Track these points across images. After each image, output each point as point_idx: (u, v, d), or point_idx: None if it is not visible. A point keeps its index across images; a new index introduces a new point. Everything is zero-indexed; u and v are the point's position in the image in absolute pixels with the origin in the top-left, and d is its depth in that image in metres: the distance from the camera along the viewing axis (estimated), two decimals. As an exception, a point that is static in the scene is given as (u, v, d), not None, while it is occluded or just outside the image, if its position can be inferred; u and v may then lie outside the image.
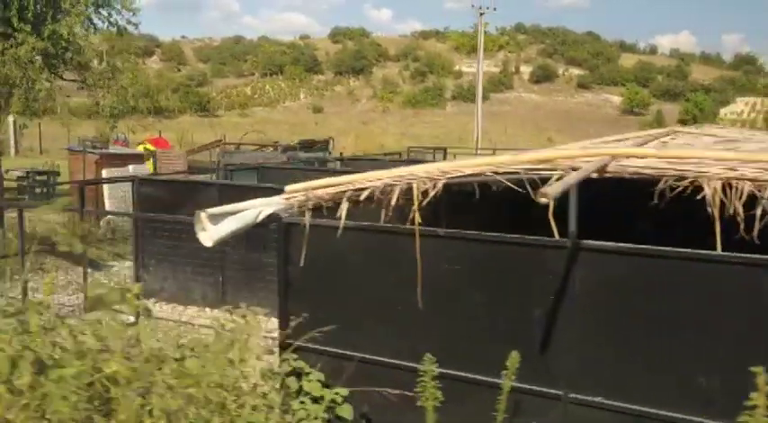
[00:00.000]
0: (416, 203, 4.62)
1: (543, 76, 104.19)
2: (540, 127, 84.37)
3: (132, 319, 9.13)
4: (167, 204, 9.46)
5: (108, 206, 13.48)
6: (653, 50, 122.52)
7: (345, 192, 4.88)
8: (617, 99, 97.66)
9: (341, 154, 20.66)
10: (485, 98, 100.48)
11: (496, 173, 4.39)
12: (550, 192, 3.38)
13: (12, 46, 13.61)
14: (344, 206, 4.89)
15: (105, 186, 13.50)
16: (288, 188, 5.21)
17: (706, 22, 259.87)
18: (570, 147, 6.95)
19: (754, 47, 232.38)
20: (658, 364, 4.02)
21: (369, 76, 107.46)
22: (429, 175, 4.68)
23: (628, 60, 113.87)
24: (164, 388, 3.71)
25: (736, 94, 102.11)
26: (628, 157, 4.36)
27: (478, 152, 32.98)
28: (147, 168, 14.26)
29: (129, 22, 16.60)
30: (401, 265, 4.80)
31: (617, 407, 4.05)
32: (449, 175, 4.56)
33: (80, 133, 30.54)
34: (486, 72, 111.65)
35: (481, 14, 34.29)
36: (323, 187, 5.02)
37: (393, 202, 4.70)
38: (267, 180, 11.97)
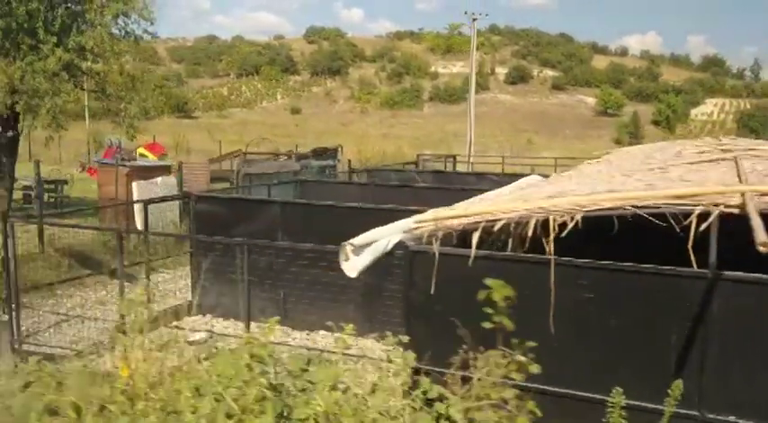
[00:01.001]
0: (552, 235, 4.88)
1: (518, 78, 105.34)
2: (517, 128, 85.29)
3: (202, 335, 9.23)
4: (224, 222, 9.57)
5: (138, 220, 13.50)
6: (624, 52, 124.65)
7: (479, 223, 5.11)
8: (591, 100, 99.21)
9: (349, 161, 20.84)
10: (461, 99, 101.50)
11: (636, 207, 4.67)
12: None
13: (39, 58, 13.56)
14: (476, 236, 5.14)
15: (136, 199, 13.54)
16: (415, 218, 5.43)
17: (672, 24, 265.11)
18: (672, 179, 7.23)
19: (718, 48, 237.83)
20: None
21: (345, 76, 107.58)
22: (559, 207, 4.95)
23: (600, 62, 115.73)
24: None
25: (705, 95, 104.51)
26: (762, 194, 4.66)
27: (471, 156, 33.43)
28: (173, 179, 14.30)
29: (145, 31, 16.63)
30: (532, 292, 5.06)
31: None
32: (586, 209, 4.83)
33: (71, 137, 30.28)
34: (460, 73, 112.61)
35: (474, 20, 34.68)
36: (453, 218, 5.25)
37: (530, 233, 4.95)
38: (306, 193, 12.13)
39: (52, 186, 19.87)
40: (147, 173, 13.78)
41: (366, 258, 5.10)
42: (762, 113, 77.58)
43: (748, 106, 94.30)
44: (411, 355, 4.47)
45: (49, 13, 13.87)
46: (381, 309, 7.94)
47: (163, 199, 10.63)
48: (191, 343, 8.90)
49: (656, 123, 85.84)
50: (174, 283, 12.23)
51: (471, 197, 11.35)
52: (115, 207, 13.16)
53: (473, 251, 5.21)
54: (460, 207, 5.75)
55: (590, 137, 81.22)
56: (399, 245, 5.67)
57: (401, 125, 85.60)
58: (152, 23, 16.50)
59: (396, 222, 6.00)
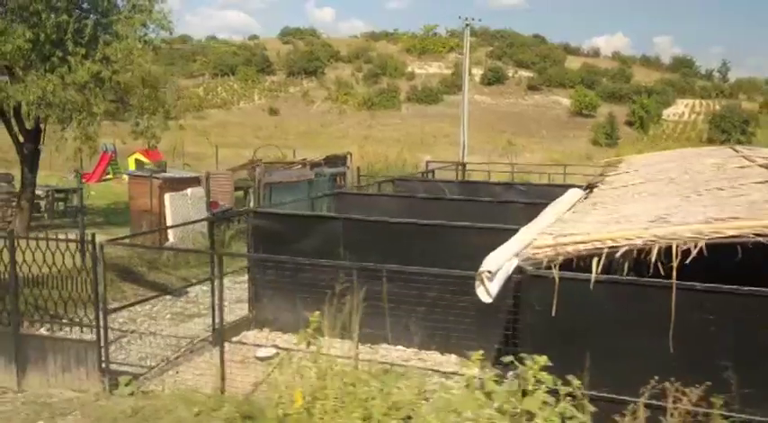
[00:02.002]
0: (675, 262, 5.20)
1: (494, 79, 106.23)
2: (495, 129, 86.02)
3: (270, 350, 9.30)
4: (282, 238, 9.72)
5: (171, 233, 13.55)
6: (596, 53, 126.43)
7: (601, 249, 5.40)
8: (565, 101, 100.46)
9: (358, 169, 21.03)
10: (438, 100, 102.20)
11: (761, 235, 5.00)
12: None
13: (70, 70, 13.54)
14: (597, 261, 5.44)
15: (168, 212, 13.57)
16: (536, 244, 5.69)
17: (638, 25, 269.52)
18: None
19: (684, 48, 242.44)
20: None
21: (322, 77, 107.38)
22: (680, 235, 5.26)
23: (573, 63, 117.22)
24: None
25: (676, 95, 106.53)
26: None
27: (464, 160, 33.76)
28: (202, 191, 14.34)
29: (163, 40, 16.67)
30: (651, 314, 5.39)
31: None
32: (708, 238, 5.15)
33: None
34: (437, 74, 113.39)
35: (467, 25, 35.05)
36: (573, 244, 5.53)
37: (653, 259, 5.26)
38: (344, 206, 12.30)
39: (62, 195, 19.75)
40: (178, 185, 13.83)
41: (498, 283, 5.36)
42: (733, 114, 79.32)
43: (718, 107, 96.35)
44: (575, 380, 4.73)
45: (77, 25, 13.84)
46: (449, 323, 8.14)
47: (235, 213, 10.73)
48: (260, 359, 9.08)
49: (629, 124, 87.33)
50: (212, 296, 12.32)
51: (510, 211, 11.70)
52: (149, 221, 13.25)
53: (593, 276, 5.50)
54: (558, 231, 6.03)
55: (567, 138, 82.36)
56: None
57: (380, 126, 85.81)
58: (171, 33, 16.56)
59: (505, 245, 6.28)
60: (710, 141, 79.34)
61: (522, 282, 5.75)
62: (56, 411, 6.48)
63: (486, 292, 5.32)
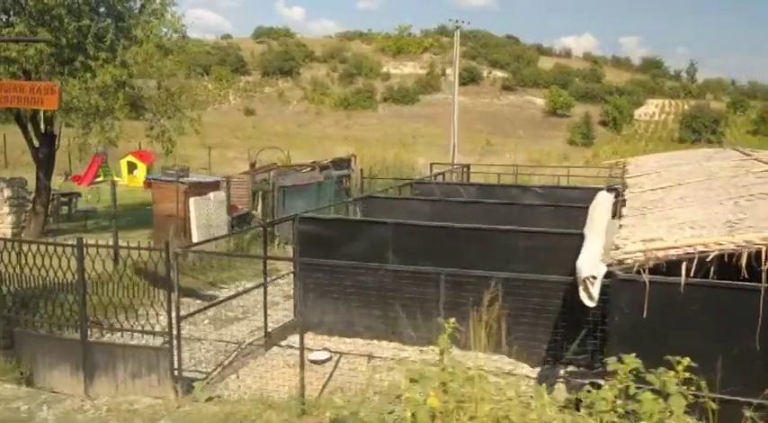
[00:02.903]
0: (765, 265, 5.52)
1: (469, 79, 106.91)
2: (471, 129, 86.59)
3: (325, 354, 9.43)
4: (330, 243, 9.87)
5: (196, 235, 13.57)
6: (567, 54, 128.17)
7: (692, 255, 5.70)
8: (539, 101, 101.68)
9: (361, 171, 21.21)
10: (414, 101, 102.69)
11: None
12: None
13: (93, 76, 13.53)
14: (686, 266, 5.73)
15: (193, 216, 13.60)
16: (626, 249, 5.96)
17: (605, 26, 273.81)
18: None
19: (650, 49, 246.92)
20: None
21: (297, 77, 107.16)
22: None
23: (545, 63, 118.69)
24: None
25: (646, 96, 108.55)
26: None
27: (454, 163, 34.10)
28: (223, 195, 14.39)
29: (176, 45, 16.69)
30: (740, 316, 5.71)
31: None
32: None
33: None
34: (412, 74, 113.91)
35: (457, 28, 35.38)
36: (665, 249, 5.82)
37: (743, 263, 5.57)
38: (372, 210, 12.48)
39: (66, 199, 19.57)
40: (202, 189, 13.87)
41: (598, 287, 5.61)
42: (703, 114, 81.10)
43: (687, 107, 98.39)
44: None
45: (99, 30, 13.82)
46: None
47: (282, 220, 10.85)
48: (315, 362, 9.23)
49: (603, 124, 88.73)
50: (247, 300, 12.39)
51: (541, 214, 11.98)
52: (176, 225, 13.28)
53: (683, 279, 5.79)
54: (642, 236, 6.31)
55: (543, 137, 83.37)
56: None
57: (358, 126, 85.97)
58: (183, 36, 16.60)
59: (587, 250, 6.54)
60: (682, 141, 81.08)
61: (612, 285, 6.01)
62: (145, 418, 6.57)
63: (590, 296, 5.57)
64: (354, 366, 8.93)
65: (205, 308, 9.02)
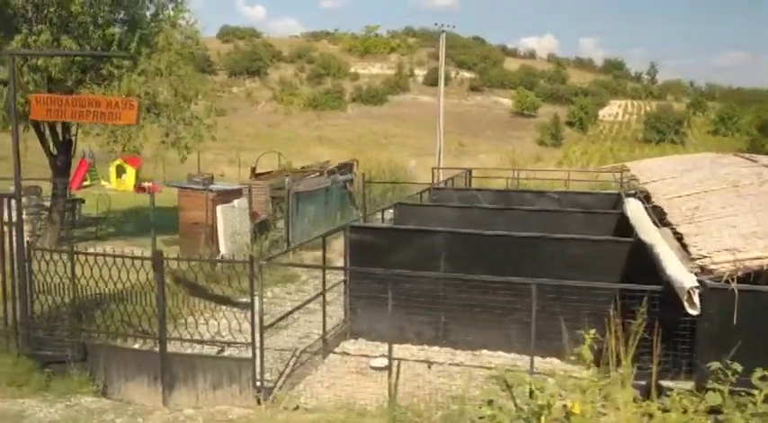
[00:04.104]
0: None
1: (436, 79, 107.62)
2: (442, 129, 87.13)
3: (384, 361, 9.60)
4: (381, 251, 10.08)
5: (223, 245, 13.63)
6: (532, 55, 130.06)
7: (783, 264, 6.12)
8: (506, 101, 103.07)
9: (363, 175, 21.43)
10: (383, 101, 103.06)
11: None
12: None
13: (116, 87, 13.53)
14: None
15: (220, 223, 13.64)
16: (715, 259, 6.36)
17: (565, 26, 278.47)
18: None
19: (609, 50, 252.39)
20: None
21: (265, 77, 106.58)
22: None
23: (511, 64, 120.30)
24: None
25: (609, 96, 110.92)
26: None
27: (440, 164, 34.49)
28: (245, 202, 14.46)
29: (189, 52, 16.70)
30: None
31: None
32: None
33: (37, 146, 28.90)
34: (380, 74, 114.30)
35: (442, 32, 35.77)
36: (756, 259, 6.23)
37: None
38: (404, 216, 12.72)
39: (70, 205, 19.34)
40: (227, 196, 13.95)
41: (697, 295, 5.99)
42: (667, 115, 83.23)
43: (648, 108, 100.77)
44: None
45: (124, 39, 13.81)
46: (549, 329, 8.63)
47: (336, 230, 11.03)
48: (376, 369, 9.45)
49: (570, 124, 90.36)
50: (282, 307, 12.50)
51: (572, 220, 12.38)
52: (198, 234, 13.36)
53: (771, 288, 6.18)
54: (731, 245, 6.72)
55: (511, 138, 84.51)
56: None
57: (329, 127, 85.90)
58: (197, 43, 16.64)
59: (669, 260, 6.92)
60: (646, 141, 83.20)
61: (702, 294, 6.39)
62: (247, 428, 6.74)
63: (693, 304, 5.95)
64: (417, 372, 9.16)
65: (282, 317, 9.15)
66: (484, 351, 9.99)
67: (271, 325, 8.38)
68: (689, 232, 8.20)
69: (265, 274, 14.98)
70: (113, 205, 21.70)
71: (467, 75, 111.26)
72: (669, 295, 6.56)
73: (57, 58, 12.90)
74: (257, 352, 7.79)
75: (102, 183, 29.49)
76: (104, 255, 8.27)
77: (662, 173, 15.68)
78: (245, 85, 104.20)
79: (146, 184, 28.10)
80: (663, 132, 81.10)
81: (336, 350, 10.08)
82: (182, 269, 13.39)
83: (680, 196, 11.50)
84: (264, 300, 12.97)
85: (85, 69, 13.88)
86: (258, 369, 7.80)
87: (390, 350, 8.05)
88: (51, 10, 13.33)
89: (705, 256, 6.63)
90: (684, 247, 7.65)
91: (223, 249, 13.82)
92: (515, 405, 7.41)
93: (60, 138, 14.89)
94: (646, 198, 12.77)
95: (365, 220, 20.72)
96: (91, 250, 8.84)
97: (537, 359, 9.79)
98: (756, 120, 72.53)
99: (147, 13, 15.43)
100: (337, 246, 18.61)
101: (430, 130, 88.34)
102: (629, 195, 14.09)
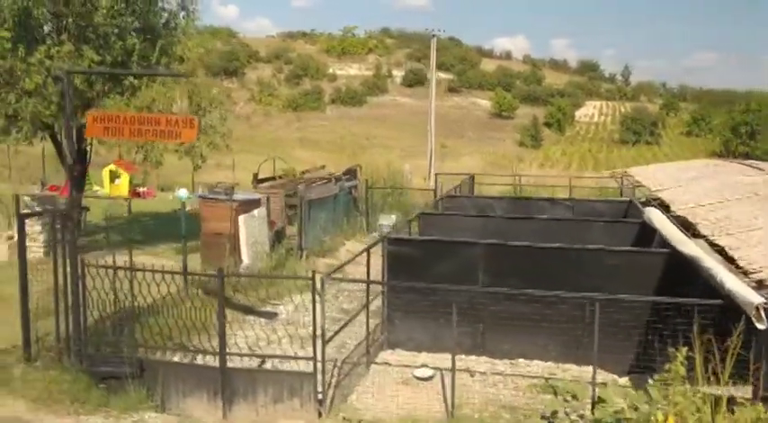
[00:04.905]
0: None
1: (415, 81, 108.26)
2: (422, 130, 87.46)
3: (429, 372, 9.77)
4: (419, 263, 10.26)
5: (245, 255, 13.69)
6: (508, 56, 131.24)
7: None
8: (484, 103, 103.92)
9: (366, 181, 21.58)
10: (362, 102, 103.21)
11: None
12: None
13: (137, 96, 13.54)
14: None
15: (243, 234, 13.69)
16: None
17: (537, 27, 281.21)
18: None
19: (579, 51, 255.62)
20: None
21: (242, 77, 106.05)
22: None
23: (488, 65, 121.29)
24: None
25: (584, 97, 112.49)
26: None
27: (432, 168, 34.80)
28: (264, 211, 14.53)
29: (198, 58, 16.72)
30: None
31: None
32: None
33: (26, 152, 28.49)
34: (358, 75, 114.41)
35: (433, 36, 36.02)
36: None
37: None
38: (427, 227, 12.93)
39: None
40: (248, 206, 14.02)
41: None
42: (643, 117, 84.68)
43: (623, 109, 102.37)
44: None
45: (145, 50, 13.83)
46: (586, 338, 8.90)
47: (373, 244, 11.09)
48: (420, 379, 9.64)
49: (547, 125, 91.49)
50: (305, 316, 12.60)
51: (596, 229, 12.67)
52: (222, 244, 13.43)
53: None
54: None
55: (491, 139, 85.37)
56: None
57: (309, 128, 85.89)
58: (207, 52, 16.67)
59: (724, 274, 7.21)
60: (623, 142, 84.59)
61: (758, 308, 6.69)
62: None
63: (762, 319, 6.24)
64: (462, 382, 9.34)
65: (339, 331, 9.27)
66: (521, 360, 10.22)
67: (330, 338, 8.50)
68: (730, 245, 8.52)
69: (287, 281, 15.13)
70: (111, 210, 21.57)
71: (444, 76, 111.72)
72: (728, 310, 6.86)
73: (79, 68, 12.85)
74: (318, 365, 7.92)
75: (95, 188, 29.20)
76: (162, 271, 8.34)
77: (669, 180, 16.08)
78: (222, 85, 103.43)
79: (141, 190, 27.96)
80: (639, 133, 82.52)
81: (378, 360, 10.24)
82: (211, 281, 13.47)
83: (701, 206, 11.89)
84: (290, 309, 13.18)
85: (105, 80, 13.85)
86: (320, 382, 7.94)
87: (453, 362, 8.22)
88: (70, 20, 13.30)
89: (758, 270, 6.94)
90: (731, 260, 7.96)
91: (246, 259, 13.89)
92: (581, 417, 7.67)
93: (76, 147, 14.82)
94: (662, 206, 13.15)
95: (368, 226, 21.06)
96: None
97: (574, 367, 10.15)
98: (729, 121, 74.27)
99: (160, 22, 15.45)
100: (349, 250, 18.82)
101: (411, 131, 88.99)
102: (643, 203, 14.47)
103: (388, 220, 20.78)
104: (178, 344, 8.48)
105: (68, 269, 8.56)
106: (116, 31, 13.65)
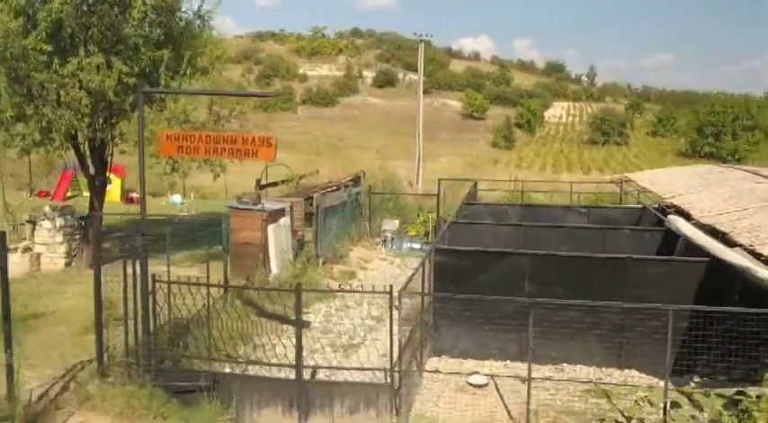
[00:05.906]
0: None
1: (385, 81, 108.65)
2: (395, 132, 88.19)
3: (482, 378, 10.06)
4: (465, 273, 10.56)
5: (274, 264, 13.81)
6: (476, 57, 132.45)
7: None
8: (455, 103, 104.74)
9: (369, 187, 21.83)
10: (333, 103, 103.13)
11: None
12: None
13: (164, 108, 13.62)
14: None
15: (272, 243, 13.80)
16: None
17: (499, 27, 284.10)
18: None
19: (542, 50, 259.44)
20: None
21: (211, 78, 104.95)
22: None
23: (457, 66, 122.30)
24: None
25: (552, 98, 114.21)
26: None
27: (419, 171, 35.12)
28: (288, 219, 14.66)
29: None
30: None
31: None
32: None
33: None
34: (329, 76, 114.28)
35: (421, 41, 36.37)
36: None
37: None
38: (455, 236, 13.21)
39: (81, 221, 19.05)
40: (276, 216, 14.17)
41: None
42: (611, 117, 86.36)
43: (590, 110, 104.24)
44: None
45: (172, 62, 13.87)
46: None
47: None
48: (474, 386, 9.94)
49: (518, 126, 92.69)
50: (341, 325, 12.79)
51: (623, 237, 13.14)
52: (253, 254, 13.58)
53: None
54: None
55: (464, 140, 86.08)
56: None
57: (281, 129, 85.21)
58: (222, 63, 16.78)
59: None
60: (593, 143, 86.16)
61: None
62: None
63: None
64: (515, 388, 9.66)
65: (406, 343, 9.49)
66: (565, 365, 10.61)
67: (403, 350, 8.71)
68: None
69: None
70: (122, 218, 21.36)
71: (414, 76, 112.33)
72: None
73: (111, 80, 12.85)
74: (396, 376, 8.17)
75: (86, 194, 28.77)
76: (248, 287, 8.49)
77: (676, 187, 16.63)
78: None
79: (133, 195, 27.66)
80: (607, 134, 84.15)
81: (428, 367, 10.51)
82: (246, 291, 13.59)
83: (722, 213, 12.42)
84: (321, 317, 13.37)
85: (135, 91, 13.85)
86: (396, 393, 8.19)
87: (529, 370, 8.51)
88: (97, 31, 13.25)
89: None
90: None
91: (274, 269, 14.04)
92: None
93: (99, 157, 14.82)
94: (678, 213, 13.68)
95: (371, 231, 21.29)
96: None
97: (617, 371, 10.55)
98: (694, 122, 76.25)
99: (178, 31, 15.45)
100: (356, 255, 19.05)
101: (383, 132, 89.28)
102: (656, 210, 15.04)
103: (391, 226, 21.12)
104: (251, 358, 8.64)
105: (132, 282, 8.64)
106: (141, 41, 13.64)
